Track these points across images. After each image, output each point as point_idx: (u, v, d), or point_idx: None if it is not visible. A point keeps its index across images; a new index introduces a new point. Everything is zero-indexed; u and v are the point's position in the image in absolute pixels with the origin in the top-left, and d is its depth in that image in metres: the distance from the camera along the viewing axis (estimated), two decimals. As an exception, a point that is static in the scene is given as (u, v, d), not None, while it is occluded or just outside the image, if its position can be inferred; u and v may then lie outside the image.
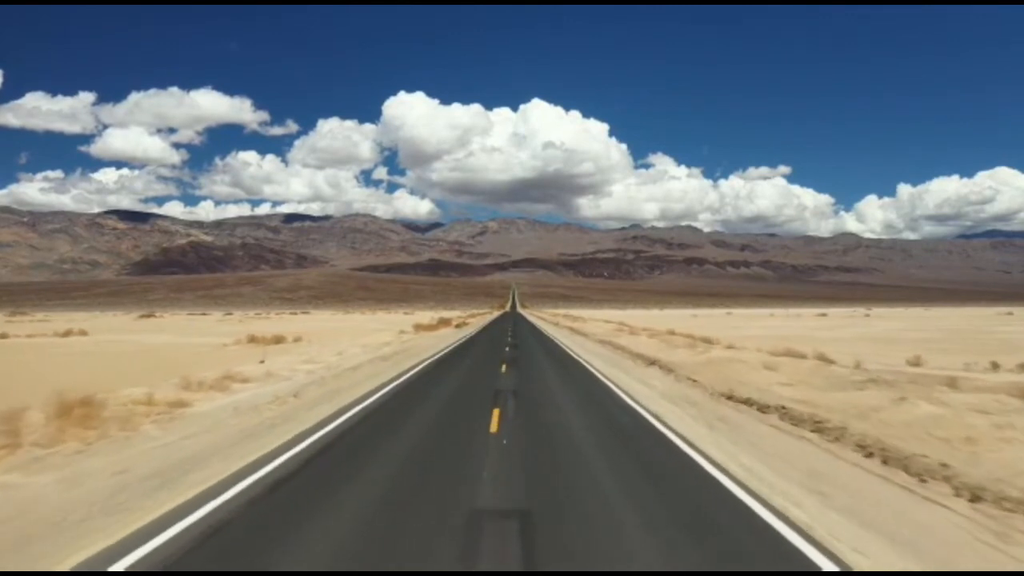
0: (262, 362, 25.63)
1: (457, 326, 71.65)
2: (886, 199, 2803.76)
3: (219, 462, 9.94)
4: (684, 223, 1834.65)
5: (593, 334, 51.77)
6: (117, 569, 6.54)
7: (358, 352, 31.18)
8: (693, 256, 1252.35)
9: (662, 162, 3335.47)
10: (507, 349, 36.20)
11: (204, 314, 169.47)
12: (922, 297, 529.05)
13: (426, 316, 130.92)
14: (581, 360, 29.58)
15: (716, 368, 20.63)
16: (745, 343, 33.01)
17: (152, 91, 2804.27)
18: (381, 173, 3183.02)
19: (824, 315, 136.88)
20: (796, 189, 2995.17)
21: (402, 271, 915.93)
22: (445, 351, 34.76)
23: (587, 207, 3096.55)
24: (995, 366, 25.07)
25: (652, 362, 25.67)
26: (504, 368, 25.04)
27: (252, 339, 40.28)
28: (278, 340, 40.22)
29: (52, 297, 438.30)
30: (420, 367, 26.01)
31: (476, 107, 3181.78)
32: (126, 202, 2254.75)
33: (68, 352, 36.74)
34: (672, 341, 34.28)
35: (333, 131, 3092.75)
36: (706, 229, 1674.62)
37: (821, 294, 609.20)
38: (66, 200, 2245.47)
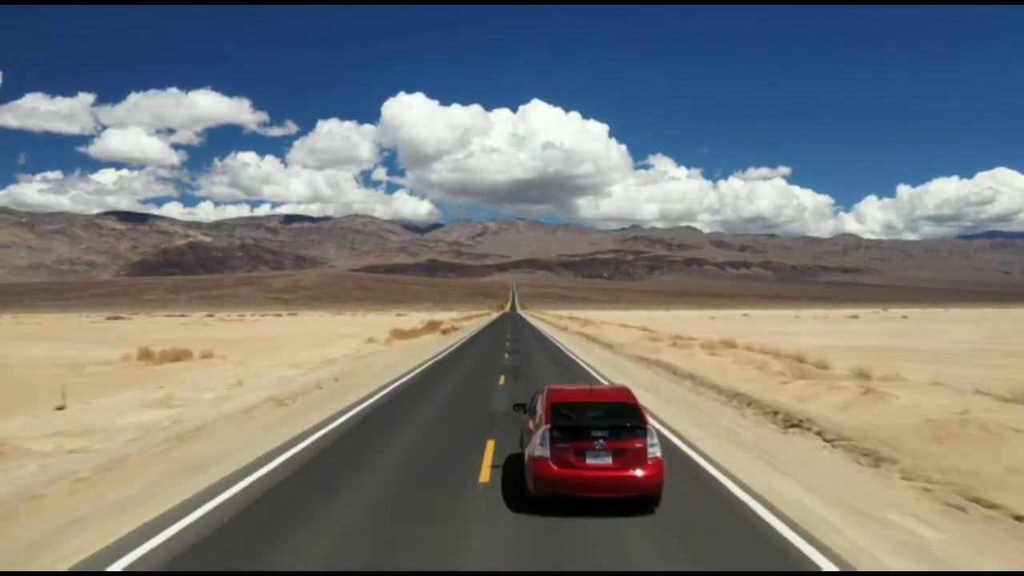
0: (60, 408, 14.61)
1: (444, 331, 59.02)
2: (886, 200, 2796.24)
3: None
4: (684, 224, 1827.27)
5: (619, 345, 39.64)
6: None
7: (271, 380, 20.42)
8: (693, 257, 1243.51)
9: (662, 163, 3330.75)
10: (502, 380, 22.64)
11: (183, 315, 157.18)
12: (926, 298, 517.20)
13: (418, 318, 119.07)
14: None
15: (976, 453, 8.79)
16: (851, 363, 21.76)
17: (151, 92, 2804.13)
18: (380, 174, 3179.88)
19: (856, 317, 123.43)
20: (796, 190, 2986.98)
21: (401, 272, 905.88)
22: (405, 379, 22.61)
23: (586, 208, 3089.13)
24: None
25: (788, 420, 13.58)
26: (490, 450, 11.88)
27: (144, 355, 28.58)
28: (176, 358, 28.50)
29: (46, 298, 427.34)
30: (329, 428, 13.97)
31: (476, 108, 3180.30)
32: (125, 203, 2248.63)
33: None
34: (762, 364, 22.08)
35: (332, 132, 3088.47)
36: (706, 230, 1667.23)
37: (822, 294, 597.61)
38: (64, 201, 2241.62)
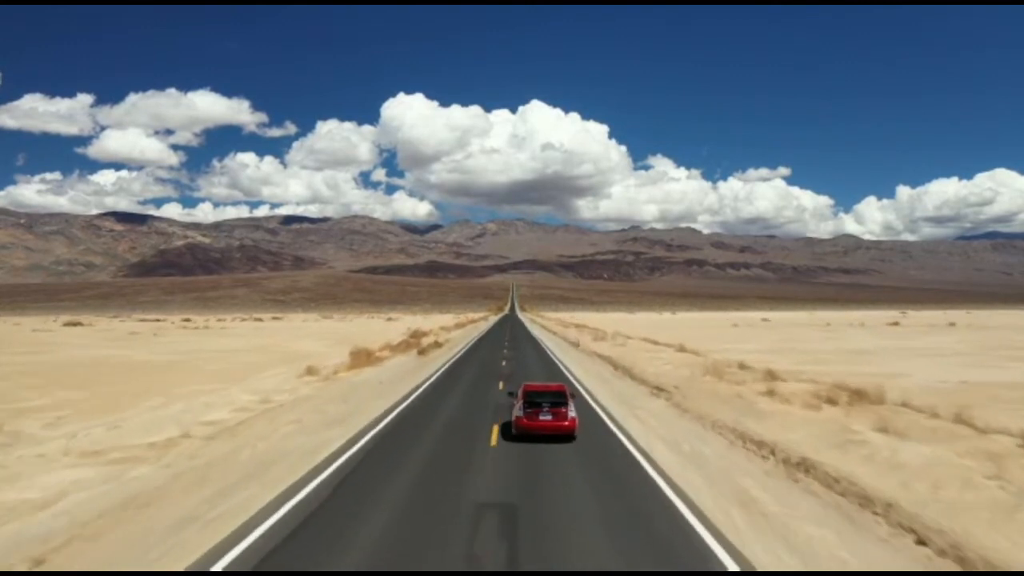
0: None
1: (422, 351, 46.38)
2: (885, 200, 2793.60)
3: None
4: (683, 225, 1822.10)
5: (673, 387, 26.57)
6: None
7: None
8: (693, 258, 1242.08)
9: (661, 163, 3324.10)
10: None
11: (158, 320, 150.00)
12: (929, 299, 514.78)
13: (406, 324, 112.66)
14: None
15: None
16: None
17: (150, 92, 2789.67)
18: (380, 175, 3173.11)
19: (896, 324, 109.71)
20: (795, 190, 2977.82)
21: (401, 273, 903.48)
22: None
23: (586, 208, 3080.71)
24: None
25: None
26: None
27: None
28: None
29: (40, 299, 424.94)
30: None
31: (475, 108, 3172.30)
32: (124, 204, 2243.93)
33: None
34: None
35: (332, 132, 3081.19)
36: (705, 231, 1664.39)
37: (824, 296, 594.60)
38: (63, 202, 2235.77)
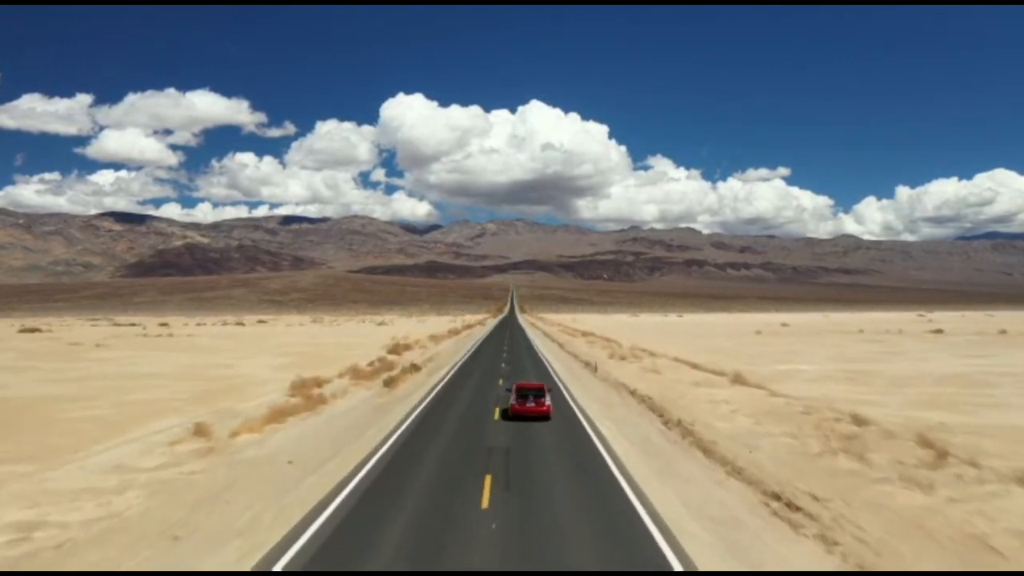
0: None
1: (390, 383, 35.23)
2: (885, 201, 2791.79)
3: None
4: (683, 225, 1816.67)
5: (859, 530, 11.87)
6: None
7: None
8: (693, 258, 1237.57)
9: (661, 163, 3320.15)
10: None
11: (133, 324, 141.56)
12: (931, 299, 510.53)
13: (395, 329, 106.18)
14: None
15: None
16: None
17: (149, 92, 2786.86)
18: (379, 175, 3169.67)
19: (940, 332, 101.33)
20: (795, 191, 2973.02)
21: (400, 273, 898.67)
22: None
23: (585, 209, 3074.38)
24: None
25: None
26: None
27: None
28: None
29: (34, 300, 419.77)
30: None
31: (475, 109, 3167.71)
32: (123, 204, 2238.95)
33: None
34: None
35: (331, 132, 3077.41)
36: (705, 231, 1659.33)
37: (825, 296, 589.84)
38: (62, 202, 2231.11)
